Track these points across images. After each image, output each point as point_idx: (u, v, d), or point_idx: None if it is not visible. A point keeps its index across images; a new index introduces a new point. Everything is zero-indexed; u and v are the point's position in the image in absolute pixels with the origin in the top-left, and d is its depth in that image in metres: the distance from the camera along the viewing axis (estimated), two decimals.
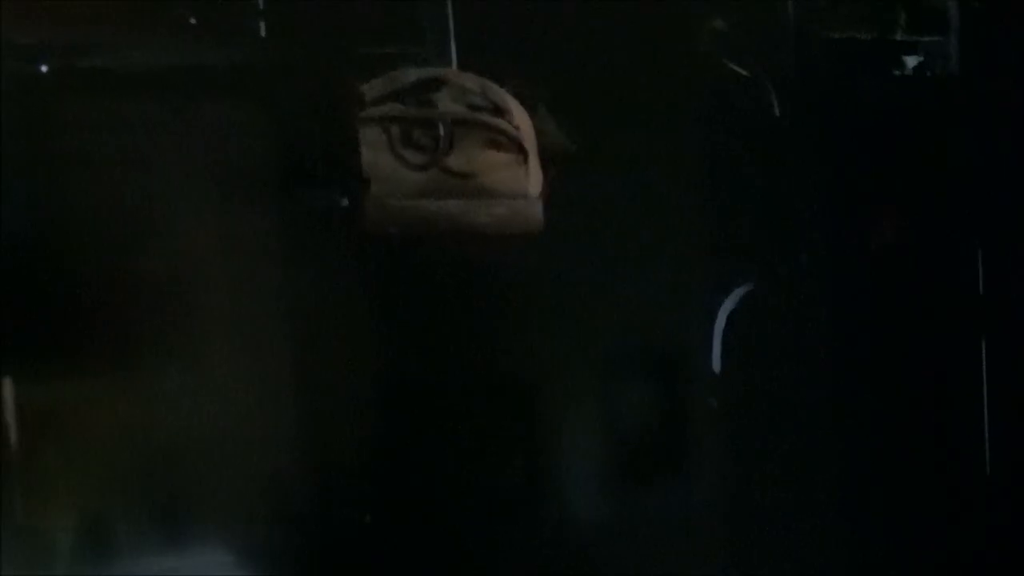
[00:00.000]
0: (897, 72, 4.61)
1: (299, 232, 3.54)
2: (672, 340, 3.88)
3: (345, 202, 3.60)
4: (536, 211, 3.97)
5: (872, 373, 4.03)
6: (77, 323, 3.32)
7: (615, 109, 3.95)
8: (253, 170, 3.47)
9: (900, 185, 4.21)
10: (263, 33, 3.65)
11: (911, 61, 4.63)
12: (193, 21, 3.67)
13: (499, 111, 4.15)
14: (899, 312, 4.01)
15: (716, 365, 3.82)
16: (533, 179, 4.19)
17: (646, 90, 4.00)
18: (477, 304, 3.72)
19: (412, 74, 3.85)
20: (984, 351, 4.05)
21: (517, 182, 4.18)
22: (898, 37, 4.68)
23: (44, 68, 3.31)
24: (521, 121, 4.20)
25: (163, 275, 3.38)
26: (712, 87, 4.28)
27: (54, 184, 3.32)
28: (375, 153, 3.73)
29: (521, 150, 4.20)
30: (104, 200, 3.35)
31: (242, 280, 3.50)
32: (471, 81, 3.93)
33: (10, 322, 3.20)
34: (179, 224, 3.40)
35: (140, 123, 3.35)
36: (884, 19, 4.68)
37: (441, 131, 3.82)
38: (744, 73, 4.30)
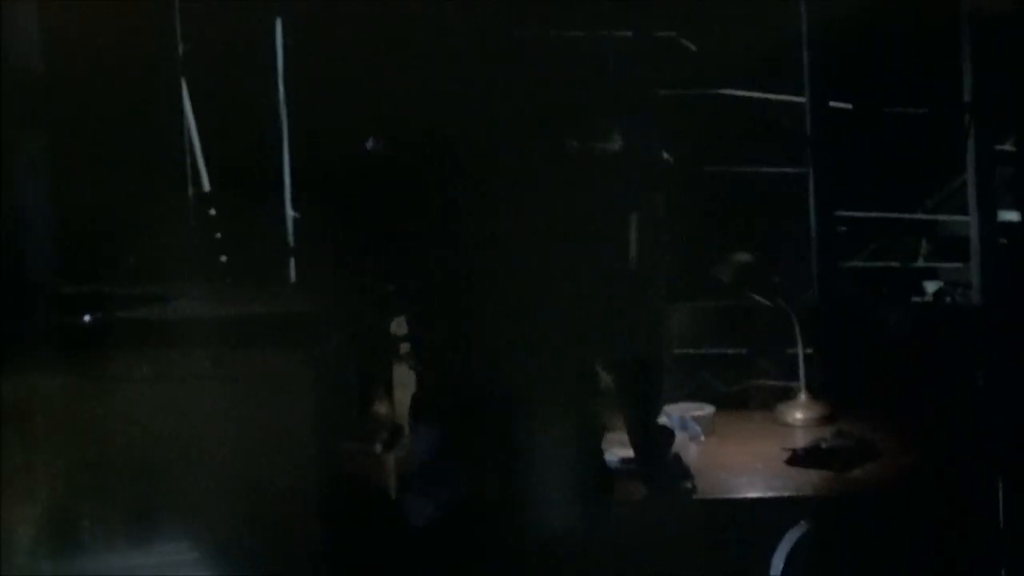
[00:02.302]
0: (917, 298, 4.69)
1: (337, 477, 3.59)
2: None
3: (379, 448, 3.65)
4: None
5: None
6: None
7: None
8: (290, 420, 3.51)
9: (920, 413, 4.26)
10: (292, 278, 3.75)
11: (931, 287, 4.71)
12: (224, 259, 3.78)
13: None
14: (922, 543, 4.02)
15: None
16: None
17: None
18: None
19: None
20: None
21: None
22: (919, 264, 4.77)
23: (87, 318, 3.40)
24: None
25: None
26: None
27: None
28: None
29: None
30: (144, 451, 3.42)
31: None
32: None
33: None
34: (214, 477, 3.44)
35: (179, 374, 3.40)
36: (906, 246, 4.77)
37: None
38: (767, 303, 4.39)
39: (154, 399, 3.36)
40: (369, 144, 3.80)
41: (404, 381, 3.78)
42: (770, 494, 3.92)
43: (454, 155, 3.94)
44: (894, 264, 4.75)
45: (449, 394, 3.69)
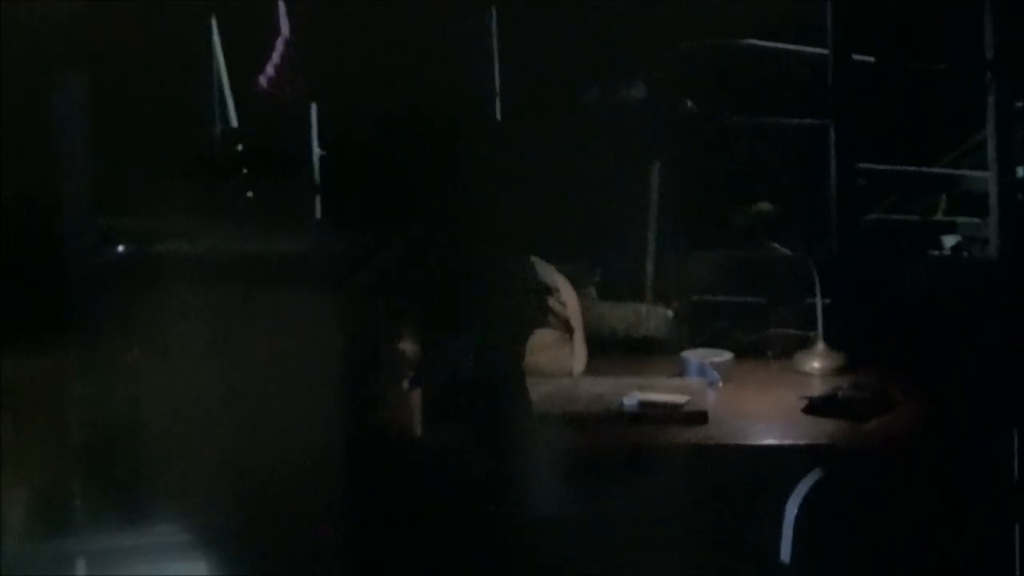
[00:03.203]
0: (935, 252, 4.71)
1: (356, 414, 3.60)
2: None
3: (406, 385, 3.67)
4: (579, 390, 4.07)
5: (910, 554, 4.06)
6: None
7: None
8: (313, 355, 3.52)
9: (936, 366, 4.27)
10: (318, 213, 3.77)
11: (949, 241, 4.73)
12: (250, 195, 3.80)
13: (547, 289, 4.25)
14: (936, 494, 4.05)
15: (786, 555, 3.86)
16: (579, 357, 4.30)
17: None
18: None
19: None
20: (1018, 537, 4.09)
21: (563, 361, 4.27)
22: (938, 218, 4.79)
23: (120, 249, 3.43)
24: (568, 298, 4.30)
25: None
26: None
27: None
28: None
29: (568, 328, 4.30)
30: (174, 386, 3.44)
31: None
32: None
33: None
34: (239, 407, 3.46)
35: (207, 307, 3.42)
36: (925, 200, 4.80)
37: None
38: (787, 253, 4.41)
39: (183, 334, 3.38)
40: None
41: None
42: (787, 442, 3.95)
43: (475, 98, 3.96)
44: (913, 218, 4.77)
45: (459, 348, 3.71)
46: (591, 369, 4.29)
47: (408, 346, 3.76)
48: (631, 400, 3.99)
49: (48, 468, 3.40)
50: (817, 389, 4.20)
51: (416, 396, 3.67)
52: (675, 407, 3.99)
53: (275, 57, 3.88)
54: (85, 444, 3.43)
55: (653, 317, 4.51)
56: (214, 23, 3.93)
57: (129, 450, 3.43)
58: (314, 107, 3.94)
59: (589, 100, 4.46)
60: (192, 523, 3.45)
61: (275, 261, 3.49)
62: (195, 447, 3.45)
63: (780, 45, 4.59)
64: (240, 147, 3.89)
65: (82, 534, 3.39)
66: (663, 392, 4.06)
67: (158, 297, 3.41)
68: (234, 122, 3.92)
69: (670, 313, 4.51)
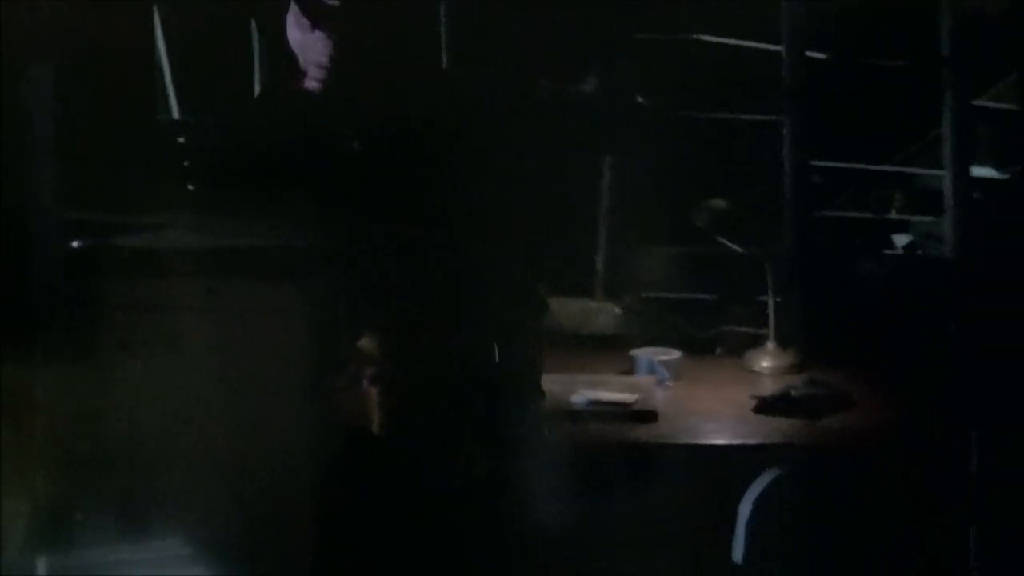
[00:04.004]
0: (888, 251, 4.70)
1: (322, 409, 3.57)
2: None
3: (366, 385, 3.64)
4: None
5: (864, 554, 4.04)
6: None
7: None
8: (282, 353, 3.48)
9: (892, 365, 4.26)
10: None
11: (902, 240, 4.72)
12: (191, 188, 3.75)
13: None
14: (890, 496, 4.03)
15: (738, 555, 3.84)
16: None
17: None
18: None
19: None
20: (973, 536, 4.08)
21: None
22: (892, 216, 4.77)
23: (76, 244, 3.39)
24: None
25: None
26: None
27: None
28: None
29: None
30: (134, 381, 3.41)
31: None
32: None
33: None
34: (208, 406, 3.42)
35: (170, 303, 3.39)
36: (880, 198, 4.78)
37: None
38: (739, 250, 4.38)
39: (147, 328, 3.35)
40: None
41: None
42: (738, 441, 3.92)
43: (428, 93, 3.92)
44: (867, 215, 4.75)
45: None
46: None
47: (384, 346, 3.74)
48: (580, 398, 3.96)
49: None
50: (769, 388, 4.18)
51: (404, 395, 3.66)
52: (624, 406, 3.97)
53: (320, 58, 3.83)
54: (44, 443, 3.39)
55: (603, 314, 4.48)
56: (156, 14, 3.88)
57: (89, 449, 3.40)
58: None
59: (539, 94, 4.42)
60: (171, 525, 3.43)
61: (242, 256, 3.46)
62: (162, 446, 3.42)
63: (733, 41, 4.57)
64: (182, 140, 3.84)
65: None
66: (612, 390, 4.03)
67: (113, 294, 3.38)
68: (176, 114, 3.88)
69: (619, 310, 4.49)
